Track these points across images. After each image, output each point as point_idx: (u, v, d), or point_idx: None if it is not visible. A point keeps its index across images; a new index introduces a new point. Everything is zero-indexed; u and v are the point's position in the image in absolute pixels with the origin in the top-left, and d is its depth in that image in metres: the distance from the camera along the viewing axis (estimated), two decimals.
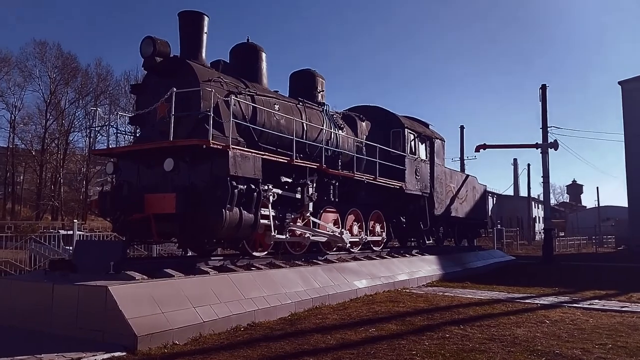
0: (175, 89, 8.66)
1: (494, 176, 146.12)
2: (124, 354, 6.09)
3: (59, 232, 15.96)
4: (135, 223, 8.86)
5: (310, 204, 11.09)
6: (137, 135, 10.49)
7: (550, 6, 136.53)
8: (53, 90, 48.15)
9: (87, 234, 16.19)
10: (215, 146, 8.54)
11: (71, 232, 15.49)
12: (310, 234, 11.27)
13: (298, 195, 10.87)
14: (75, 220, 16.37)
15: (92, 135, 45.98)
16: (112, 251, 7.92)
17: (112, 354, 6.04)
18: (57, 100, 48.71)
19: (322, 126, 12.23)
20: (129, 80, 47.04)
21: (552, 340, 6.82)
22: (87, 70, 50.98)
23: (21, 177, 53.37)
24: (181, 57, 9.67)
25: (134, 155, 9.54)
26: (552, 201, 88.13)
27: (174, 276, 7.94)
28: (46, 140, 47.56)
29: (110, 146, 11.02)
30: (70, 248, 11.43)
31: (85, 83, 50.37)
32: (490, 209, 54.93)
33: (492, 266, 19.89)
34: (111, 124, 11.17)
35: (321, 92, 13.44)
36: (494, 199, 63.49)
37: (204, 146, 8.44)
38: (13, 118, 48.33)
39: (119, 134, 11.68)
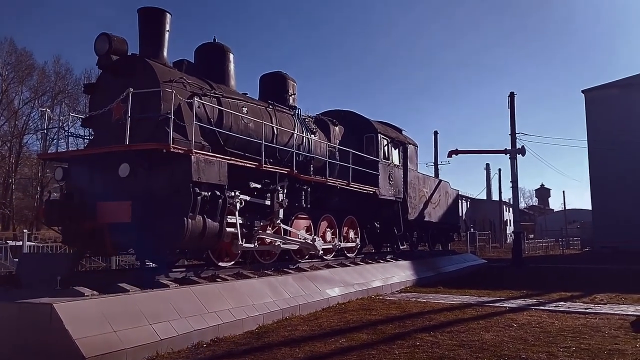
0: (132, 89, 8.16)
1: (468, 181, 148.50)
2: None
3: (7, 243, 15.16)
4: (88, 233, 8.30)
5: (281, 211, 10.71)
6: (91, 138, 9.91)
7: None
8: (5, 89, 45.74)
9: (39, 245, 15.44)
10: (176, 150, 8.07)
11: (21, 243, 14.74)
12: (280, 241, 10.91)
13: (268, 202, 10.49)
14: (25, 230, 15.58)
15: (47, 137, 44.52)
16: (59, 264, 7.36)
17: None
18: (10, 99, 46.45)
19: (294, 130, 11.92)
20: (90, 79, 44.81)
21: (519, 344, 6.91)
22: (44, 68, 48.71)
23: None
24: (140, 56, 9.18)
25: (86, 160, 8.91)
26: (522, 205, 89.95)
27: (128, 291, 7.36)
28: None
29: (62, 150, 10.45)
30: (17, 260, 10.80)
31: (42, 81, 48.16)
32: (464, 213, 55.61)
33: (465, 270, 19.91)
34: (63, 125, 10.49)
35: (292, 95, 13.12)
36: (468, 203, 64.25)
37: (164, 150, 7.96)
38: None
39: (72, 138, 11.08)
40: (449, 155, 31.48)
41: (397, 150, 16.64)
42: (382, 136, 15.66)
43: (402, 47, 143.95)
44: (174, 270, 9.21)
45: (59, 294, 6.70)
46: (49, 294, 6.69)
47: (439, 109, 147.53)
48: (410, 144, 17.64)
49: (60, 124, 9.96)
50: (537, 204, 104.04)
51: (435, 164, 39.69)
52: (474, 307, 10.25)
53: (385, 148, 15.80)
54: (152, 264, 10.13)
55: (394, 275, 14.22)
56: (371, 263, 14.65)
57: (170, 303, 7.39)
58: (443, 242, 22.98)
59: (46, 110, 10.25)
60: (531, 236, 54.90)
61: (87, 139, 10.12)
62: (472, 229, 40.03)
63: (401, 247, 17.42)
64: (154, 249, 8.50)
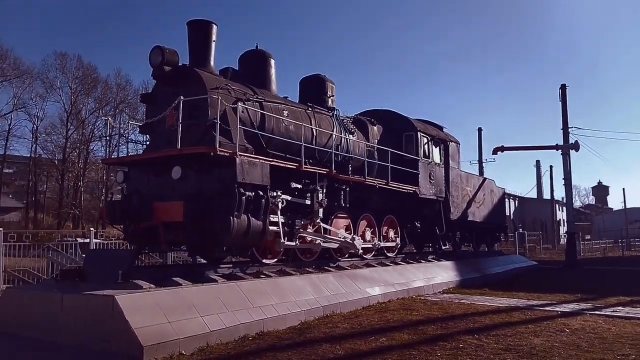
0: (182, 97, 8.72)
1: (515, 178, 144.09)
2: None
3: (77, 241, 16.16)
4: (145, 231, 8.92)
5: (320, 210, 11.00)
6: (148, 143, 10.58)
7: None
8: (74, 101, 49.40)
9: (104, 242, 16.38)
10: (222, 153, 8.56)
11: (88, 240, 15.77)
12: (320, 240, 11.20)
13: (308, 201, 10.81)
14: (92, 229, 16.59)
15: (110, 144, 46.94)
16: (121, 260, 7.97)
17: None
18: (78, 110, 50.01)
19: (332, 131, 12.19)
20: (147, 90, 47.59)
21: (571, 350, 6.63)
22: (106, 81, 52.31)
23: (44, 186, 54.56)
24: (189, 66, 9.74)
25: (143, 163, 9.63)
26: (577, 203, 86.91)
27: (181, 285, 7.93)
28: (67, 150, 48.61)
29: (122, 155, 11.14)
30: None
31: (105, 93, 51.72)
32: (511, 213, 54.34)
33: (513, 272, 19.52)
34: (123, 132, 11.25)
35: (331, 97, 13.39)
36: (516, 202, 62.68)
37: (211, 153, 8.47)
38: (35, 128, 49.65)
39: (133, 143, 11.86)
40: (494, 152, 30.39)
41: (437, 148, 16.52)
42: (421, 134, 15.61)
43: (447, 43, 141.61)
44: (221, 266, 9.74)
45: (121, 287, 7.31)
46: (112, 286, 7.32)
47: (482, 105, 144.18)
48: (451, 141, 17.45)
49: (121, 131, 10.66)
50: (594, 202, 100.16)
51: (480, 162, 38.98)
52: (522, 311, 9.93)
53: (426, 146, 15.73)
54: (202, 260, 10.71)
55: (436, 275, 14.12)
56: (412, 263, 14.62)
57: (218, 297, 7.88)
58: (488, 243, 22.48)
59: (108, 119, 11.01)
60: (587, 237, 52.86)
61: (144, 144, 10.78)
62: (520, 229, 39.03)
63: (443, 247, 17.29)
64: (203, 246, 9.00)
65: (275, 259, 10.61)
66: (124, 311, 6.51)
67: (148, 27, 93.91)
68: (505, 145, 30.12)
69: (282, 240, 9.92)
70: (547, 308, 10.38)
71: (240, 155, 8.81)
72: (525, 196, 62.33)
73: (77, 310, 7.01)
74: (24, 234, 15.83)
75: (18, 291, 8.74)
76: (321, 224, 11.23)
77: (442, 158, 16.73)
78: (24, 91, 48.83)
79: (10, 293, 8.65)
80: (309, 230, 10.95)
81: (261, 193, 9.08)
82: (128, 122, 11.39)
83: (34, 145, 49.75)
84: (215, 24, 10.13)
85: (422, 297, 11.92)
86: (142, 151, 10.65)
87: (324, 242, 11.30)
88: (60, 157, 48.86)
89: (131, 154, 10.92)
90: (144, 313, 6.69)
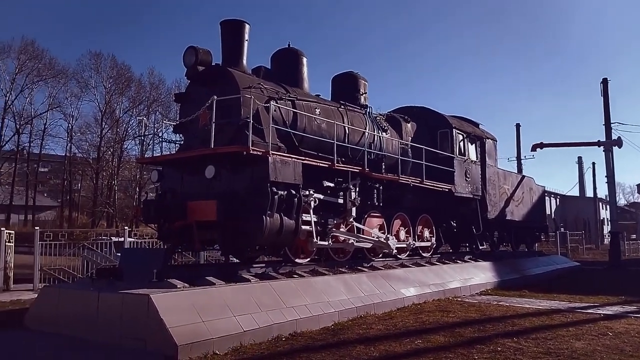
0: (215, 97, 8.87)
1: (556, 176, 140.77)
2: None
3: (111, 239, 16.56)
4: (179, 230, 9.09)
5: (353, 209, 11.03)
6: (182, 143, 10.80)
7: None
8: (108, 100, 50.92)
9: (138, 241, 16.76)
10: (255, 152, 8.69)
11: (122, 239, 16.16)
12: (354, 239, 11.22)
13: (340, 200, 10.86)
14: (126, 227, 16.97)
15: (144, 143, 48.08)
16: (155, 259, 8.17)
17: None
18: (112, 109, 51.43)
19: (365, 129, 12.21)
20: (180, 88, 48.54)
21: (614, 354, 6.52)
22: (140, 80, 53.44)
23: (78, 185, 56.07)
24: (222, 65, 9.91)
25: (177, 163, 9.84)
26: (621, 201, 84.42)
27: (215, 284, 8.08)
28: (102, 149, 49.85)
29: (156, 154, 11.41)
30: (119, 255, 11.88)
31: (139, 92, 52.89)
32: (552, 211, 53.18)
33: (554, 273, 19.18)
34: (157, 132, 11.51)
35: (363, 95, 13.40)
36: (557, 200, 61.35)
37: (244, 153, 8.60)
38: (70, 127, 51.27)
39: (166, 143, 12.12)
40: (533, 149, 29.63)
41: (473, 145, 16.35)
42: (457, 131, 15.47)
43: (484, 40, 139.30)
44: (254, 265, 9.89)
45: (155, 286, 7.49)
46: (147, 285, 7.51)
47: (519, 100, 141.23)
48: (488, 138, 17.24)
49: (155, 130, 10.91)
50: (639, 200, 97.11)
51: (518, 159, 38.36)
52: (563, 313, 9.81)
53: (461, 143, 15.60)
54: (235, 259, 10.87)
55: (473, 276, 14.00)
56: (448, 263, 14.54)
57: (251, 297, 8.00)
58: (528, 243, 22.10)
59: (142, 118, 11.28)
60: (633, 236, 51.33)
61: (178, 143, 11.01)
62: (562, 229, 38.21)
63: (481, 247, 17.07)
64: (236, 245, 9.15)
65: (308, 259, 10.70)
66: (159, 310, 6.66)
67: (181, 25, 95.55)
68: (544, 142, 29.48)
69: (315, 239, 10.00)
70: (589, 310, 10.21)
71: (272, 154, 8.93)
72: (567, 194, 60.98)
73: (112, 308, 7.19)
74: (59, 233, 16.31)
75: (54, 290, 8.98)
76: (354, 223, 11.24)
77: (479, 155, 16.56)
78: (59, 91, 50.82)
79: (46, 292, 8.91)
80: (341, 229, 10.99)
81: (294, 192, 9.18)
82: (162, 122, 11.62)
83: (69, 144, 51.55)
84: (247, 24, 10.29)
85: (458, 299, 11.84)
86: (175, 150, 10.88)
87: (357, 241, 11.33)
88: (95, 156, 50.20)
89: (165, 153, 11.16)
90: (179, 312, 6.83)
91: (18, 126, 48.79)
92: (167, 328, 6.49)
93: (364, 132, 12.10)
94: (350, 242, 11.18)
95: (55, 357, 6.58)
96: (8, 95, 48.03)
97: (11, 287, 14.51)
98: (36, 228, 15.91)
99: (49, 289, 9.27)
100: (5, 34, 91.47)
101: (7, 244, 14.66)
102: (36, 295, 9.88)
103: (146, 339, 6.67)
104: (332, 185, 10.68)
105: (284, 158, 9.18)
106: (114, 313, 7.13)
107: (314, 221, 9.99)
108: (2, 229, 15.10)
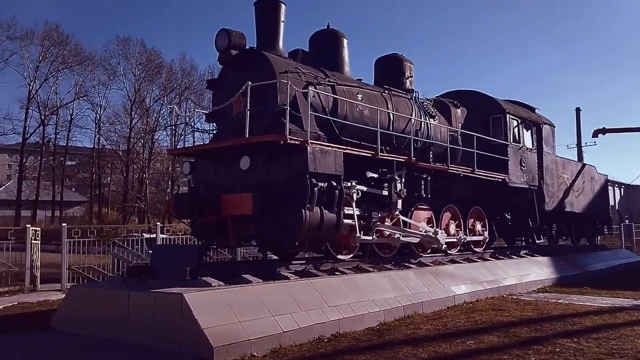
0: (250, 83, 8.81)
1: (620, 164, 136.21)
2: None
3: (143, 236, 16.79)
4: (213, 225, 9.14)
5: (399, 201, 10.88)
6: (215, 132, 10.83)
7: None
8: (137, 88, 50.80)
9: (170, 237, 16.92)
10: (293, 142, 8.61)
11: (155, 236, 16.35)
12: (400, 234, 11.10)
13: (385, 192, 10.72)
14: (158, 223, 17.18)
15: (176, 133, 48.17)
16: (189, 256, 8.21)
17: None
18: (142, 97, 51.33)
19: (411, 115, 12.03)
20: (212, 74, 48.47)
21: None
22: (171, 66, 53.38)
23: (108, 179, 56.59)
24: (257, 49, 9.87)
25: (210, 154, 9.86)
26: None
27: (252, 282, 8.08)
28: (132, 140, 49.99)
29: (188, 144, 11.44)
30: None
31: (170, 79, 52.69)
32: (616, 202, 51.61)
33: (618, 268, 18.70)
34: (189, 121, 11.55)
35: (409, 78, 13.19)
36: (621, 190, 59.51)
37: (281, 142, 8.53)
38: (98, 118, 51.53)
39: (199, 132, 12.16)
40: (595, 135, 29.28)
41: (529, 131, 16.07)
42: (511, 116, 15.21)
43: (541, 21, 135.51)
44: (293, 262, 9.85)
45: (189, 284, 7.52)
46: (180, 284, 7.54)
47: (580, 82, 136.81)
48: (545, 123, 16.91)
49: (187, 119, 10.94)
50: None
51: (579, 146, 37.38)
52: (628, 312, 9.60)
53: (516, 130, 15.33)
54: (273, 256, 10.87)
55: (529, 272, 13.84)
56: (502, 259, 14.35)
57: (291, 295, 7.96)
58: (589, 236, 21.65)
59: (174, 107, 11.37)
60: None
61: (211, 133, 11.04)
62: (627, 221, 37.02)
63: (537, 242, 16.72)
64: (273, 240, 9.13)
65: (351, 255, 10.60)
66: (193, 310, 6.68)
67: (213, 7, 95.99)
68: (606, 127, 28.71)
69: (358, 234, 9.90)
70: None
71: (311, 143, 8.83)
72: (632, 184, 58.99)
73: (144, 308, 7.26)
74: (88, 230, 16.62)
75: (83, 289, 9.16)
76: (400, 216, 11.13)
77: (535, 142, 16.28)
78: (86, 79, 51.07)
79: (75, 291, 9.06)
80: (386, 223, 10.88)
81: (334, 183, 9.09)
82: (194, 111, 11.65)
83: (97, 136, 51.73)
84: (284, 3, 10.20)
85: (513, 297, 11.68)
86: (209, 140, 10.91)
87: (403, 236, 11.20)
88: (125, 148, 50.38)
89: (197, 143, 11.20)
90: (214, 312, 6.84)
91: (43, 117, 48.89)
92: (201, 329, 6.51)
93: (409, 119, 11.92)
94: (396, 236, 11.06)
95: (86, 359, 6.67)
96: (32, 84, 48.19)
97: (38, 288, 14.58)
98: (64, 225, 16.02)
99: (78, 288, 9.46)
100: (28, 19, 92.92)
101: (33, 241, 14.72)
102: (64, 295, 10.02)
103: (180, 340, 6.71)
104: (375, 176, 10.56)
105: (323, 147, 9.10)
106: (146, 313, 7.20)
107: (357, 215, 9.87)
108: (27, 226, 15.31)
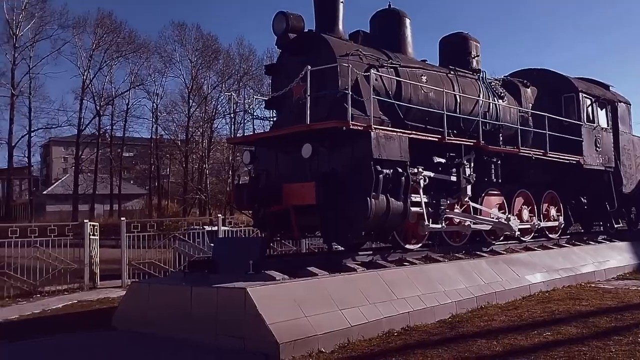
0: (309, 67, 8.60)
1: None
2: None
3: (204, 228, 16.76)
4: (276, 216, 9.02)
5: (469, 187, 10.58)
6: (275, 120, 10.70)
7: None
8: (194, 75, 49.81)
9: (232, 230, 16.74)
10: (356, 127, 8.39)
11: (216, 228, 16.32)
12: (470, 221, 10.79)
13: (453, 178, 10.42)
14: (219, 215, 17.11)
15: (235, 121, 47.74)
16: (251, 249, 8.08)
17: None
18: (199, 85, 50.30)
19: (478, 96, 11.63)
20: (272, 59, 45.91)
21: None
22: (228, 51, 52.06)
23: (166, 170, 55.62)
24: (316, 32, 9.66)
25: (270, 142, 9.72)
26: None
27: (317, 275, 7.92)
28: (190, 129, 49.23)
29: (248, 132, 11.32)
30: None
31: (227, 65, 51.32)
32: None
33: None
34: (248, 108, 11.42)
35: (476, 58, 12.74)
36: None
37: (343, 128, 8.32)
38: (155, 107, 50.65)
39: (259, 120, 11.98)
40: None
41: (603, 110, 15.47)
42: (584, 95, 14.63)
43: None
44: (360, 253, 9.68)
45: (252, 278, 7.40)
46: (243, 278, 7.42)
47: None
48: (620, 101, 16.26)
49: (246, 107, 10.82)
50: None
51: None
52: None
53: (589, 109, 14.75)
54: (339, 247, 10.67)
55: (608, 259, 13.42)
56: (579, 245, 13.98)
57: (358, 288, 7.77)
58: None
59: (231, 94, 11.24)
60: None
61: (271, 120, 10.90)
62: None
63: (616, 226, 16.01)
64: (338, 231, 8.92)
65: (420, 244, 10.35)
66: (257, 305, 6.56)
67: None
68: None
69: (426, 222, 9.62)
70: None
71: (375, 128, 8.59)
72: None
73: (206, 304, 7.17)
74: (148, 223, 16.20)
75: (144, 286, 9.13)
76: (470, 202, 10.82)
77: (610, 122, 15.67)
78: (141, 67, 49.88)
79: (135, 288, 8.99)
80: (456, 210, 10.59)
81: (400, 170, 8.83)
82: (253, 97, 11.50)
83: (155, 126, 50.76)
84: None
85: (592, 285, 11.39)
86: (269, 128, 10.78)
87: (474, 223, 10.90)
88: (183, 137, 49.51)
89: (257, 131, 11.07)
90: (279, 307, 6.71)
91: (98, 107, 48.10)
92: (266, 324, 6.39)
93: (477, 100, 11.52)
94: (466, 224, 10.74)
95: (146, 357, 6.60)
96: (86, 73, 47.40)
97: (98, 285, 14.44)
98: (122, 219, 15.57)
99: (138, 285, 9.49)
100: (79, 7, 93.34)
101: (91, 237, 14.51)
102: (124, 292, 10.06)
103: (244, 336, 6.60)
104: (443, 161, 10.29)
105: (388, 132, 8.83)
106: (209, 309, 7.11)
107: (425, 202, 9.58)
108: (85, 221, 15.39)
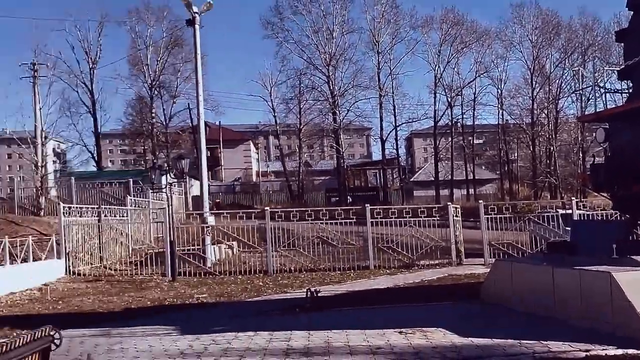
0: None
1: None
2: (639, 352, 5.74)
3: (558, 212, 16.40)
4: (638, 197, 8.21)
5: None
6: (630, 91, 9.69)
7: None
8: (536, 55, 49.09)
9: (587, 213, 16.18)
10: None
11: (570, 211, 15.79)
12: None
13: None
14: (573, 198, 16.47)
15: (582, 98, 44.85)
16: (613, 232, 7.61)
17: (624, 350, 5.80)
18: (541, 65, 49.35)
19: None
20: (620, 25, 43.26)
21: None
22: (570, 24, 49.68)
23: (514, 154, 56.82)
24: None
25: (628, 116, 8.79)
26: None
27: None
28: (535, 112, 48.75)
29: (599, 109, 10.51)
30: (569, 229, 11.59)
31: (570, 39, 49.25)
32: None
33: None
34: (597, 82, 10.54)
35: None
36: None
37: None
38: (500, 92, 51.24)
39: (612, 94, 10.99)
40: None
41: None
42: None
43: None
44: None
45: (616, 263, 6.99)
46: (606, 261, 7.08)
47: None
48: None
49: (595, 80, 10.05)
50: None
51: None
52: None
53: None
54: None
55: None
56: None
57: None
58: None
59: (579, 69, 10.62)
60: None
61: (626, 93, 9.93)
62: None
63: None
64: None
65: None
66: (625, 291, 6.21)
67: None
68: None
69: None
70: None
71: None
72: None
73: (568, 285, 7.13)
74: (503, 207, 17.30)
75: (507, 264, 9.45)
76: None
77: None
78: (484, 54, 50.90)
79: (498, 266, 9.50)
80: None
81: None
82: (602, 69, 10.62)
83: (500, 111, 51.66)
84: None
85: None
86: (624, 101, 9.81)
87: None
88: (529, 121, 49.36)
89: (610, 106, 10.18)
90: None
91: (449, 99, 50.97)
92: (636, 312, 6.01)
93: None
94: None
95: (510, 330, 6.92)
96: (436, 68, 50.67)
97: (463, 261, 16.17)
98: (480, 202, 17.24)
99: (501, 263, 9.82)
100: (425, 7, 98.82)
101: (454, 218, 16.42)
102: (487, 269, 10.59)
103: (611, 322, 6.36)
104: None
105: None
106: (571, 290, 7.06)
107: None
108: (448, 203, 16.96)
